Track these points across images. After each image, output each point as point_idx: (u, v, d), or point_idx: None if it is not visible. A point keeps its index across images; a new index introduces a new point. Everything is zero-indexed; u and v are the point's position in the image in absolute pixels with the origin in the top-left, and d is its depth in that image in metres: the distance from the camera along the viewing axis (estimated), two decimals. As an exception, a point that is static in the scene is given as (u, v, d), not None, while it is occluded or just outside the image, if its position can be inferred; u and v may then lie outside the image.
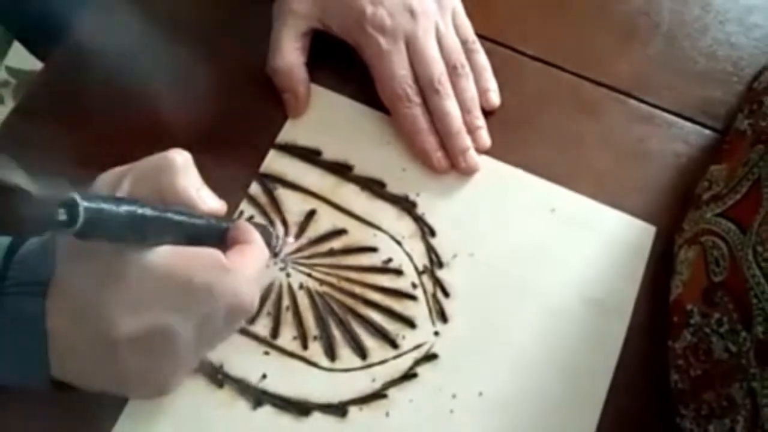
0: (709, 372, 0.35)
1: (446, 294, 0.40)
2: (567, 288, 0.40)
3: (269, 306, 0.39)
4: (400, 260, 0.40)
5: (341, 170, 0.42)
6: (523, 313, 0.40)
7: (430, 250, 0.41)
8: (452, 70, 0.43)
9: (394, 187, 0.42)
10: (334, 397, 0.37)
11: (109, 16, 0.46)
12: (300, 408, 0.37)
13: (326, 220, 0.41)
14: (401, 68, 0.42)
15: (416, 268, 0.40)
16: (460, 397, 0.38)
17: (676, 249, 0.40)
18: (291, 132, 0.43)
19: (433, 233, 0.41)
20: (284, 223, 0.41)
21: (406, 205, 0.42)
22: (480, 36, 0.46)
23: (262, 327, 0.38)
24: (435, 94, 0.42)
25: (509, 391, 0.38)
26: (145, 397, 0.32)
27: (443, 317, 0.39)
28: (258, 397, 0.37)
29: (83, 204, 0.26)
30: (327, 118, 0.43)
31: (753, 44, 0.47)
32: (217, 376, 0.37)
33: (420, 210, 0.42)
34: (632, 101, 0.45)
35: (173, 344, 0.29)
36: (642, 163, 0.44)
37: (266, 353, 0.38)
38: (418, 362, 0.38)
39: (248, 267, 0.31)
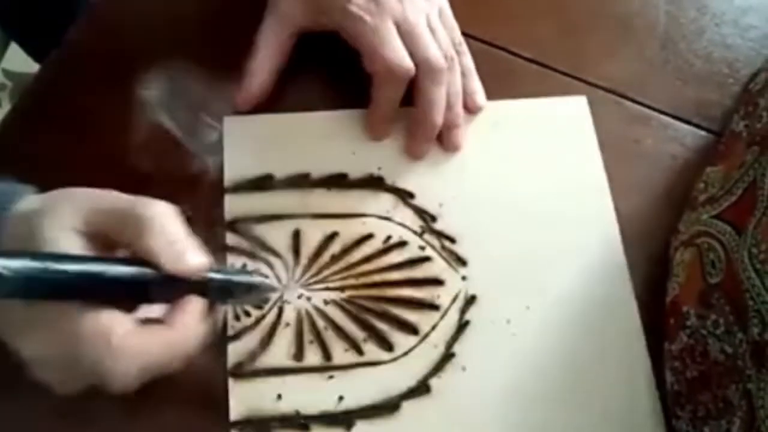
0: (705, 374, 0.35)
1: (452, 240, 0.41)
2: (546, 177, 0.42)
3: (308, 336, 0.38)
4: (398, 233, 0.41)
5: (301, 181, 0.42)
6: (522, 219, 0.41)
7: (418, 210, 0.41)
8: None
9: (355, 172, 0.42)
10: (420, 372, 0.38)
11: (106, 18, 0.46)
12: (390, 406, 0.37)
13: (313, 232, 0.40)
14: (392, 38, 0.40)
15: (415, 232, 0.41)
16: (513, 319, 0.39)
17: (672, 251, 0.40)
18: (234, 170, 0.42)
19: (411, 195, 0.42)
20: (279, 256, 0.40)
21: (374, 183, 0.42)
22: (474, 38, 0.46)
23: (313, 356, 0.38)
24: (428, 73, 0.41)
25: (552, 297, 0.40)
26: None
27: (461, 261, 0.40)
28: (345, 419, 0.36)
29: (5, 272, 0.25)
30: (260, 141, 0.43)
31: (749, 45, 0.47)
32: (300, 422, 0.36)
33: (389, 181, 0.42)
34: (628, 103, 0.45)
35: (61, 376, 0.30)
36: (638, 164, 0.44)
37: (330, 377, 0.37)
38: (464, 310, 0.39)
39: (135, 355, 0.29)
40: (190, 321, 0.30)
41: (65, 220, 0.29)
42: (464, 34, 0.45)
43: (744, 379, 0.33)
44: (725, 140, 0.43)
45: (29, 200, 0.32)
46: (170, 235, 0.30)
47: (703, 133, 0.45)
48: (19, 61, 0.67)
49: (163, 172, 0.41)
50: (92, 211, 0.30)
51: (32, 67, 0.59)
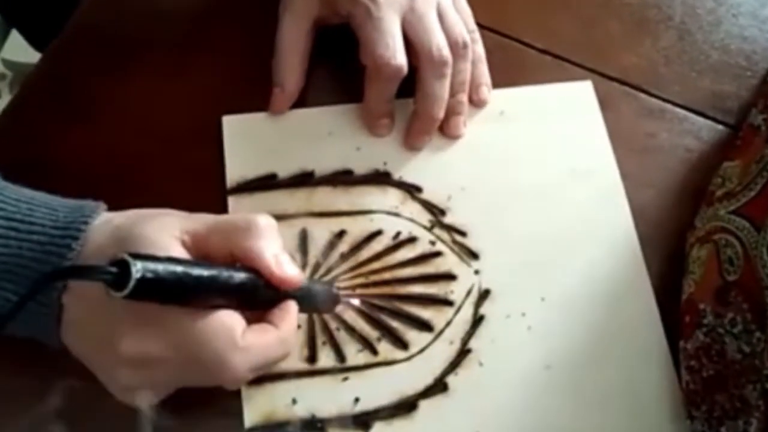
0: (722, 373, 0.35)
1: (463, 234, 0.40)
2: (556, 165, 0.42)
3: (320, 337, 0.38)
4: (407, 228, 0.40)
5: (305, 179, 0.41)
6: (532, 209, 0.41)
7: (426, 204, 0.41)
8: (453, 46, 0.41)
9: (360, 169, 0.42)
10: (436, 370, 0.37)
11: (109, 4, 0.46)
12: (407, 406, 0.36)
13: (320, 231, 0.40)
14: (391, 34, 0.39)
15: (425, 227, 0.40)
16: (528, 312, 0.38)
17: (688, 247, 0.40)
18: (236, 171, 0.41)
19: (419, 189, 0.41)
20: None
21: (380, 178, 0.41)
22: (489, 29, 0.45)
23: (326, 358, 0.37)
24: (431, 67, 0.40)
25: (567, 288, 0.39)
26: (121, 399, 0.32)
27: (473, 255, 0.40)
28: (362, 421, 0.36)
29: (136, 267, 0.25)
30: (261, 140, 0.42)
31: (766, 38, 0.46)
32: (316, 426, 0.36)
33: (395, 175, 0.41)
34: (643, 95, 0.45)
35: (158, 377, 0.31)
36: (652, 158, 0.43)
37: (345, 379, 0.37)
38: (478, 305, 0.39)
39: (257, 353, 0.30)
40: (294, 323, 0.32)
41: (170, 227, 0.30)
42: (477, 24, 0.44)
43: (762, 378, 0.33)
44: (743, 134, 0.42)
45: (107, 216, 0.32)
46: (275, 243, 0.31)
47: (719, 126, 0.44)
48: (19, 51, 0.67)
49: (165, 175, 0.40)
50: (193, 220, 0.31)
51: (32, 56, 0.58)
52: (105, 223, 0.31)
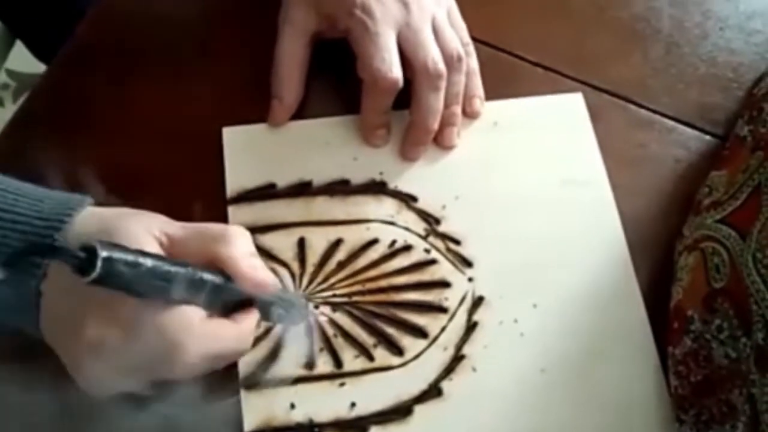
0: (710, 378, 0.36)
1: (457, 242, 0.41)
2: (547, 175, 0.43)
3: (318, 344, 0.38)
4: (402, 237, 0.41)
5: (303, 189, 0.42)
6: (525, 217, 0.42)
7: (421, 213, 0.42)
8: (448, 59, 0.42)
9: (356, 179, 0.42)
10: (431, 375, 0.38)
11: (114, 16, 0.46)
12: (402, 411, 0.37)
13: (318, 240, 0.41)
14: (387, 48, 0.40)
15: (420, 235, 0.41)
16: (521, 318, 0.39)
17: (676, 255, 0.40)
18: (236, 181, 0.42)
19: (414, 199, 0.42)
20: (285, 265, 0.40)
21: (376, 188, 0.42)
22: (480, 41, 0.46)
23: (324, 364, 0.38)
24: (425, 80, 0.41)
25: (558, 295, 0.40)
26: (88, 391, 0.32)
27: (467, 263, 0.40)
28: (359, 426, 0.36)
29: (102, 255, 0.26)
30: (261, 151, 0.43)
31: (753, 50, 0.47)
32: (314, 430, 0.36)
33: (391, 185, 0.42)
34: (632, 107, 0.45)
35: (118, 364, 0.31)
36: (642, 168, 0.44)
37: (342, 384, 0.37)
38: (471, 312, 0.39)
39: (211, 340, 0.31)
40: (252, 324, 0.33)
41: (152, 225, 0.31)
42: (471, 38, 0.45)
43: (748, 383, 0.33)
44: (729, 145, 0.43)
45: (92, 209, 0.33)
46: (248, 251, 0.33)
47: (707, 137, 0.45)
48: (22, 61, 0.67)
49: (167, 185, 0.41)
50: (170, 224, 0.32)
51: (36, 67, 0.59)
52: (91, 215, 0.32)
